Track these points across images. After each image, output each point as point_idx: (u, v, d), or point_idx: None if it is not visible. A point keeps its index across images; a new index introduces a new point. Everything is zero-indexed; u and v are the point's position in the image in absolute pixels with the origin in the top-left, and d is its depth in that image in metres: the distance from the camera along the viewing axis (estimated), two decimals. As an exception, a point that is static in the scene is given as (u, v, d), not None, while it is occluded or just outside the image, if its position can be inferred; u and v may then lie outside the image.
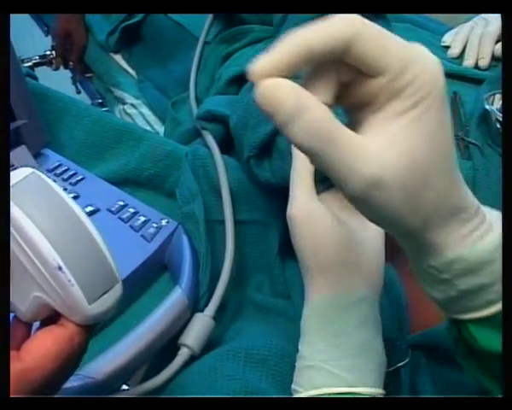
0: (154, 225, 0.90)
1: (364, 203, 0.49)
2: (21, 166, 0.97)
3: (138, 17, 1.49)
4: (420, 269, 0.57)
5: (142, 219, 0.91)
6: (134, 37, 1.51)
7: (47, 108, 1.09)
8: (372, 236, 0.74)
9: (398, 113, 0.47)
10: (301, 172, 0.73)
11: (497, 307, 0.53)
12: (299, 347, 0.71)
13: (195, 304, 0.84)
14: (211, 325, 0.82)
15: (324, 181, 0.75)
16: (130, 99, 1.47)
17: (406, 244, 0.56)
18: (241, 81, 1.12)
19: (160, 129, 1.35)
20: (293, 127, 0.45)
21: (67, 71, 1.83)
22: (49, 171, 1.00)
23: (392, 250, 0.93)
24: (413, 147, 0.48)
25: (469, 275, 0.53)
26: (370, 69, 0.47)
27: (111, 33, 1.54)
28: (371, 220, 0.53)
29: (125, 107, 1.47)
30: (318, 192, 0.74)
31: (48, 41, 1.84)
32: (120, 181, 1.00)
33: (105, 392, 0.75)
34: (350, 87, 0.49)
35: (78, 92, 1.82)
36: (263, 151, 0.88)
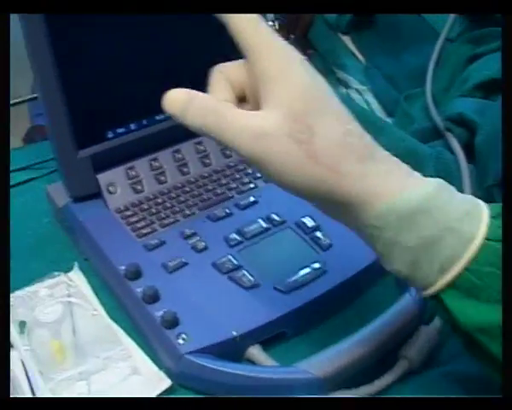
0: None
1: (261, 161, 0.55)
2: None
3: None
4: (364, 233, 0.58)
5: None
6: (367, 20, 1.46)
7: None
8: None
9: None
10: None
11: (459, 265, 0.53)
12: None
13: (422, 315, 0.79)
14: (435, 341, 0.77)
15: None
16: (355, 84, 1.42)
17: (341, 214, 0.59)
18: (489, 88, 1.06)
19: (385, 120, 1.29)
20: (187, 114, 0.56)
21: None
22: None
23: None
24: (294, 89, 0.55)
25: (411, 226, 0.54)
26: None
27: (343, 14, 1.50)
28: (283, 187, 0.57)
29: (349, 91, 1.42)
30: None
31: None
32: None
33: (321, 391, 0.71)
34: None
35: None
36: None
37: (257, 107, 0.58)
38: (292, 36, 1.71)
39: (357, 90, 1.41)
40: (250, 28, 0.58)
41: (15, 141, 2.47)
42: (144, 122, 0.90)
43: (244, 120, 0.56)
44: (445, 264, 0.54)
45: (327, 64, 1.55)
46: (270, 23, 1.73)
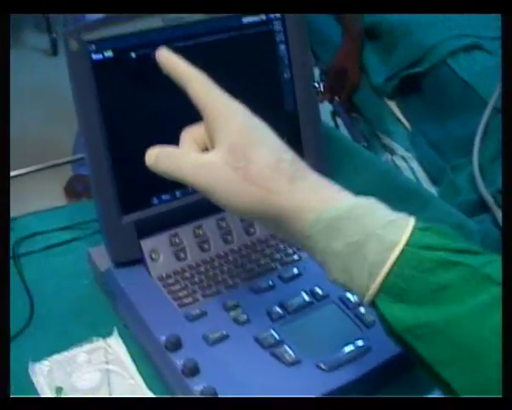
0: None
1: (208, 189, 0.66)
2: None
3: (421, 68, 1.43)
4: (303, 245, 0.65)
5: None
6: (413, 86, 1.46)
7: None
8: None
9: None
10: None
11: (384, 269, 0.58)
12: None
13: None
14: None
15: None
16: (400, 150, 1.41)
17: (281, 229, 0.66)
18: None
19: (430, 189, 1.28)
20: (157, 162, 0.70)
21: (324, 103, 1.81)
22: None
23: None
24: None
25: (337, 233, 0.60)
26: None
27: (389, 79, 1.49)
28: (230, 210, 0.67)
29: (394, 158, 1.41)
30: None
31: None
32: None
33: None
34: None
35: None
36: None
37: None
38: (337, 98, 1.70)
39: (402, 157, 1.40)
40: (202, 92, 0.69)
41: (56, 188, 2.49)
42: (189, 189, 0.89)
43: (195, 157, 0.68)
44: (372, 269, 0.59)
45: (372, 129, 1.54)
46: (316, 85, 1.73)
